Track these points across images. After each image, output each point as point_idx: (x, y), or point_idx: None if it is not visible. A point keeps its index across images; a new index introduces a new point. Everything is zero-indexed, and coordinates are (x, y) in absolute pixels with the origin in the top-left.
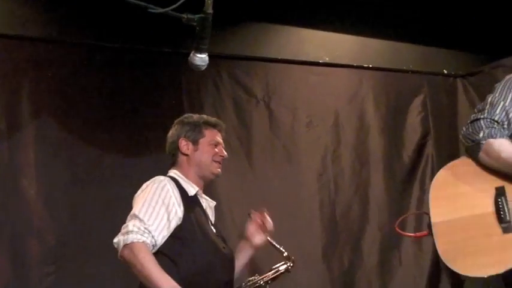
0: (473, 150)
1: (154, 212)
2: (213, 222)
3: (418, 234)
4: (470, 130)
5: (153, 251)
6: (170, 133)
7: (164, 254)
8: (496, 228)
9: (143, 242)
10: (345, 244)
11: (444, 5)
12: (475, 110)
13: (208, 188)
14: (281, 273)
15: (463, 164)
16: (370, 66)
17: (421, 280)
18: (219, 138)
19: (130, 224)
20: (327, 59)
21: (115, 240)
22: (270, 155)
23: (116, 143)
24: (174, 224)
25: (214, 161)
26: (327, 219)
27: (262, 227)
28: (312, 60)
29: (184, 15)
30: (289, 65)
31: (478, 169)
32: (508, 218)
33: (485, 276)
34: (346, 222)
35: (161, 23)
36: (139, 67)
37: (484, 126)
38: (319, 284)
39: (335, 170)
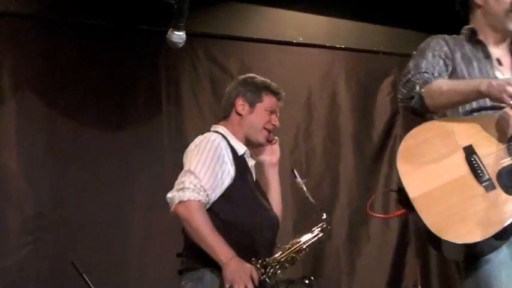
0: (418, 106)
1: (209, 170)
2: (255, 181)
3: (396, 213)
4: (405, 91)
5: (206, 208)
6: (229, 89)
7: (214, 212)
8: (478, 189)
9: (199, 200)
10: (315, 219)
11: None
12: (401, 77)
13: None
14: (318, 235)
15: (421, 132)
16: (343, 46)
17: (388, 255)
18: (276, 107)
19: (187, 181)
20: (301, 39)
21: (169, 195)
22: None
23: (95, 119)
24: (226, 183)
25: (265, 128)
26: (298, 194)
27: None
28: (286, 40)
29: None
30: (264, 44)
31: (437, 134)
32: (486, 175)
33: (485, 239)
34: (317, 198)
35: (140, 1)
36: (117, 44)
37: (415, 81)
38: None
39: (307, 147)
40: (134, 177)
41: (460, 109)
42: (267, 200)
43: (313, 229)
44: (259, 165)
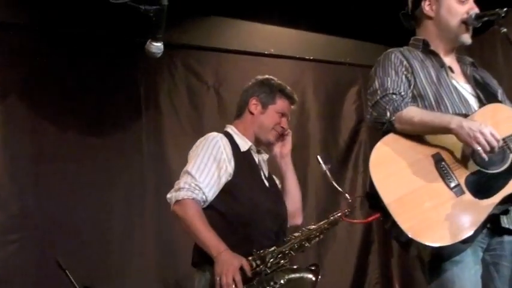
0: (389, 131)
1: (206, 169)
2: (266, 175)
3: (369, 219)
4: (376, 114)
5: (204, 206)
6: (246, 87)
7: (214, 208)
8: (448, 194)
9: (193, 198)
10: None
11: (378, 4)
12: (368, 96)
13: (164, 165)
14: (331, 221)
15: (391, 141)
16: (311, 58)
17: (353, 254)
18: (287, 111)
19: (182, 181)
20: (272, 50)
21: (168, 195)
22: None
23: (77, 124)
24: (224, 179)
25: (274, 130)
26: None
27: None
28: (259, 51)
29: (142, 6)
30: (238, 55)
31: (407, 142)
32: (456, 181)
33: (456, 242)
34: None
35: (120, 13)
36: (99, 54)
37: (386, 105)
38: None
39: None
40: (114, 180)
41: None
42: (277, 192)
43: (330, 216)
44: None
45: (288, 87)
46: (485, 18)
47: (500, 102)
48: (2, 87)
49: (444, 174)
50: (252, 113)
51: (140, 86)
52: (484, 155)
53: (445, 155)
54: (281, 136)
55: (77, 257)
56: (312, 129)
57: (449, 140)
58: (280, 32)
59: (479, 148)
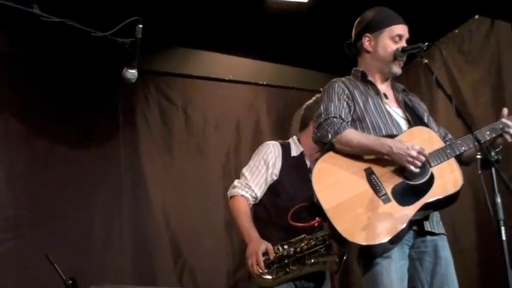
0: (330, 150)
1: (257, 170)
2: None
3: (312, 222)
4: (319, 135)
5: (255, 202)
6: (309, 105)
7: (261, 202)
8: (377, 202)
9: (242, 195)
10: None
11: (321, 38)
12: (314, 118)
13: (139, 173)
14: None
15: (330, 158)
16: (264, 83)
17: None
18: None
19: (236, 180)
20: (231, 76)
21: (228, 192)
22: (186, 149)
23: (65, 138)
24: (270, 179)
25: None
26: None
27: None
28: (219, 77)
29: (119, 39)
30: (201, 80)
31: (343, 159)
32: (383, 191)
33: (385, 241)
34: None
35: (101, 44)
36: (84, 79)
37: (328, 127)
38: (222, 249)
39: (236, 163)
40: (96, 186)
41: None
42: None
43: None
44: None
45: None
46: (410, 51)
47: (425, 123)
48: (1, 106)
49: (374, 185)
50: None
51: (118, 107)
52: (415, 170)
53: (375, 169)
54: None
55: (64, 254)
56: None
57: (380, 156)
58: (238, 61)
59: (410, 166)
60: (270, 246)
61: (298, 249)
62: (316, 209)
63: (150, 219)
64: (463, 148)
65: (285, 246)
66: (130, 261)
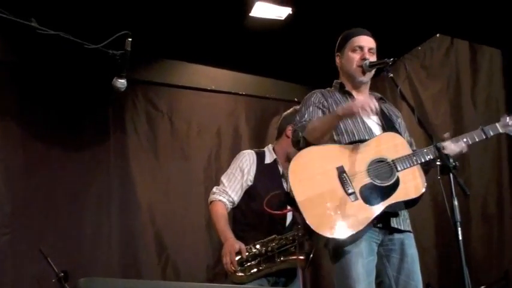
0: (305, 146)
1: (233, 177)
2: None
3: (284, 211)
4: (294, 139)
5: (233, 206)
6: (285, 115)
7: (238, 206)
8: (346, 199)
9: (220, 200)
10: None
11: (296, 52)
12: (292, 123)
13: (127, 174)
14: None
15: (306, 154)
16: (243, 93)
17: None
18: None
19: (215, 187)
20: (213, 86)
21: (208, 198)
22: (171, 153)
23: (60, 141)
24: (245, 185)
25: None
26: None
27: None
28: (202, 87)
29: (110, 51)
30: (186, 90)
31: (319, 155)
32: (352, 189)
33: (347, 236)
34: None
35: (93, 56)
36: (77, 88)
37: (298, 129)
38: (202, 245)
39: (216, 166)
40: (87, 186)
41: (346, 139)
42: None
43: None
44: None
45: None
46: (377, 66)
47: (397, 130)
48: (0, 112)
49: (344, 183)
50: (288, 137)
51: (109, 114)
52: (367, 114)
53: (347, 168)
54: None
55: (56, 248)
56: (244, 148)
57: (352, 157)
58: (219, 72)
59: (360, 112)
60: (242, 246)
61: (270, 248)
62: (289, 199)
63: (137, 218)
64: (429, 156)
65: (257, 246)
66: (118, 255)
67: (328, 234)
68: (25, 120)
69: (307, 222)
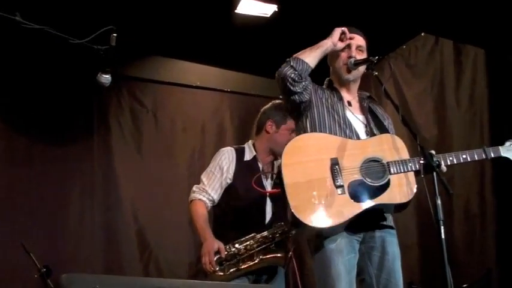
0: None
1: (213, 175)
2: (269, 177)
3: (271, 191)
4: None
5: (214, 204)
6: (264, 110)
7: (219, 205)
8: (333, 190)
9: (200, 199)
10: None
11: (281, 47)
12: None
13: (111, 170)
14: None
15: (306, 138)
16: (229, 90)
17: None
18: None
19: (195, 186)
20: (198, 83)
21: (189, 197)
22: (155, 150)
23: (43, 136)
24: (225, 183)
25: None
26: None
27: None
28: (187, 83)
29: (95, 46)
30: (171, 86)
31: (316, 142)
32: (341, 182)
33: (327, 227)
34: None
35: (79, 51)
36: (62, 83)
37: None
38: (185, 242)
39: (200, 163)
40: (71, 181)
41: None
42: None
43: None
44: None
45: None
46: (362, 64)
47: (386, 129)
48: None
49: (334, 175)
50: (268, 132)
51: (93, 109)
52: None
53: (340, 160)
54: None
55: (39, 243)
56: (228, 144)
57: (348, 151)
58: (205, 69)
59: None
60: (221, 246)
61: (249, 247)
62: (278, 180)
63: (120, 214)
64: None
65: (236, 245)
66: (101, 251)
67: (307, 221)
68: (8, 116)
69: (290, 205)
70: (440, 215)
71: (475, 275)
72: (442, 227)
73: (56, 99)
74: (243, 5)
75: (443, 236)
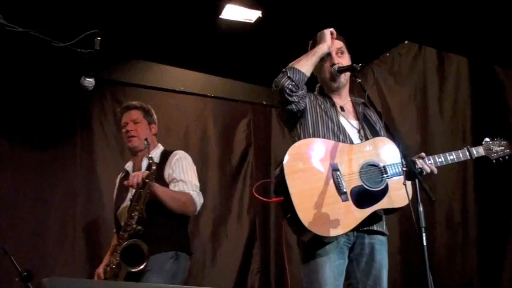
0: (281, 79)
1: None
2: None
3: (274, 199)
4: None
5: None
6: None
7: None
8: (337, 198)
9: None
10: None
11: (264, 53)
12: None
13: (94, 173)
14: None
15: (303, 145)
16: (212, 95)
17: (240, 248)
18: (127, 119)
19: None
20: (182, 88)
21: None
22: None
23: (27, 139)
24: None
25: (124, 137)
26: None
27: None
28: (171, 88)
29: (79, 49)
30: (154, 90)
31: (318, 149)
32: (344, 189)
33: (336, 235)
34: None
35: (62, 54)
36: (45, 86)
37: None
38: None
39: None
40: (53, 185)
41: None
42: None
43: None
44: None
45: (124, 104)
46: (345, 71)
47: (378, 134)
48: None
49: (337, 182)
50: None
51: (77, 112)
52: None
53: (341, 167)
54: (128, 138)
55: (20, 247)
56: (211, 151)
57: (349, 156)
58: (188, 74)
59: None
60: (99, 271)
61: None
62: (280, 189)
63: (102, 217)
64: (419, 168)
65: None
66: (83, 255)
67: (318, 231)
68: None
69: (298, 215)
70: (422, 222)
71: (457, 282)
72: (423, 234)
73: (39, 103)
74: (227, 10)
75: (425, 243)
